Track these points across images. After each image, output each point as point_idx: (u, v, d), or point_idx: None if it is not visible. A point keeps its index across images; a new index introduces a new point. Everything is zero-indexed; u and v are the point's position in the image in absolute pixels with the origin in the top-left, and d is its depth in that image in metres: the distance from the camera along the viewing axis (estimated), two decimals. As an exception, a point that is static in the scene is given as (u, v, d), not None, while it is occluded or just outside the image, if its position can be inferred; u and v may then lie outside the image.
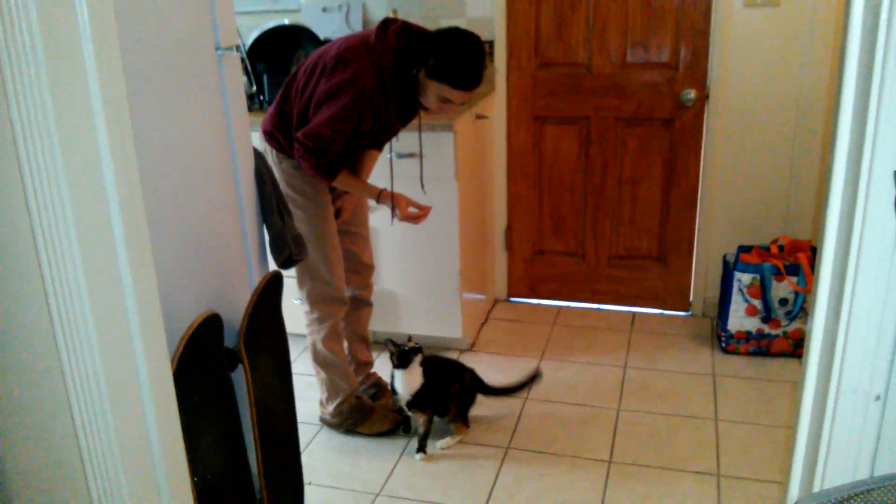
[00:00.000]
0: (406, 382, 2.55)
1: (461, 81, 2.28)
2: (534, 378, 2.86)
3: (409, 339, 2.63)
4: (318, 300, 2.59)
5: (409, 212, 2.55)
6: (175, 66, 1.57)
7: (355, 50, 2.30)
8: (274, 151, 2.49)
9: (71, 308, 1.17)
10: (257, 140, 2.45)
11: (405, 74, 2.32)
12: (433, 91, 2.31)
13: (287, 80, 2.46)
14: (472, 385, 2.75)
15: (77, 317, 1.17)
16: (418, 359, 2.55)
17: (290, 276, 2.42)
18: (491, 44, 3.48)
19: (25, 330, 1.20)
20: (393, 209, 2.53)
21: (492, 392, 2.81)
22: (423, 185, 2.76)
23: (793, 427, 1.21)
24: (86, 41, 1.09)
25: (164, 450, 1.36)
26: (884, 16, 0.91)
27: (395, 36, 2.32)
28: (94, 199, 1.18)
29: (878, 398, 1.02)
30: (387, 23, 2.35)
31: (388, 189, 2.52)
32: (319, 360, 2.68)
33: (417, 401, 2.58)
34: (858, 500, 0.92)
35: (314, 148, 2.31)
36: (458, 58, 2.27)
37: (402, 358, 2.52)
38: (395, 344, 2.54)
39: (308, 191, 2.49)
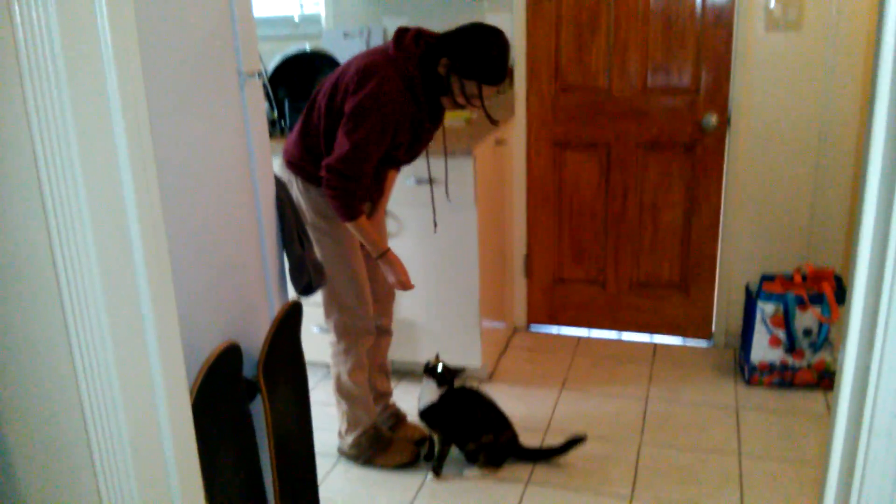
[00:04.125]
0: (423, 392, 2.59)
1: (489, 76, 2.26)
2: (577, 441, 2.67)
3: (437, 356, 2.64)
4: (345, 331, 2.56)
5: (394, 281, 2.51)
6: (197, 92, 1.56)
7: (377, 62, 2.27)
8: (300, 180, 2.45)
9: (91, 337, 1.15)
10: (278, 167, 2.43)
11: (431, 77, 2.30)
12: (461, 88, 2.29)
13: (306, 107, 2.44)
14: (509, 445, 2.66)
15: (97, 347, 1.16)
16: (434, 378, 2.56)
17: (308, 305, 2.39)
18: (511, 69, 3.47)
19: (45, 359, 1.18)
20: (391, 269, 2.50)
21: (527, 457, 2.69)
22: (435, 225, 2.75)
23: (821, 473, 1.16)
24: (110, 69, 1.08)
25: (182, 481, 1.34)
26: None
27: (414, 42, 2.30)
28: (116, 227, 1.16)
29: (911, 443, 0.98)
30: (402, 32, 2.33)
31: (391, 250, 2.48)
32: (343, 392, 2.64)
33: (425, 415, 2.59)
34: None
35: (346, 173, 2.26)
36: (485, 54, 2.24)
37: (426, 370, 2.59)
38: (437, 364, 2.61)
39: (337, 218, 2.46)
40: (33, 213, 1.10)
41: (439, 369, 2.55)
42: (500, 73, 2.28)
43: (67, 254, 1.11)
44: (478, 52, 2.24)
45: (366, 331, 2.58)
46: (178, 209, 1.46)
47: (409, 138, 2.36)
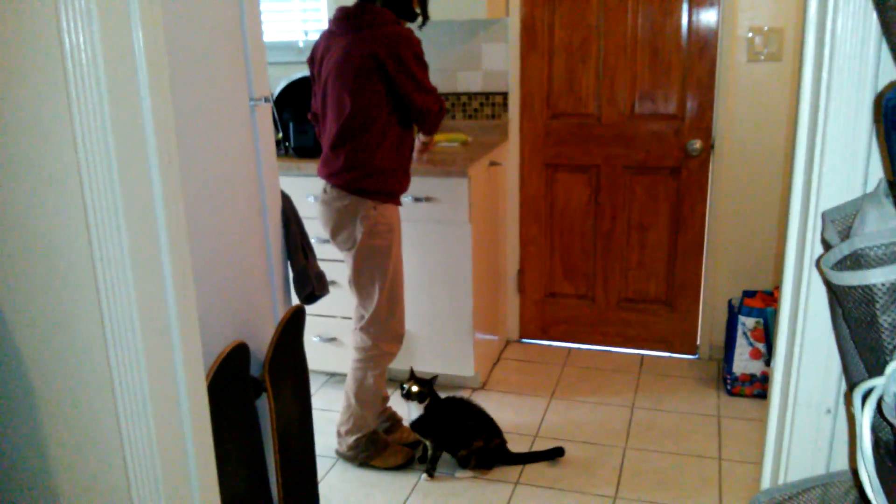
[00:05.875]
0: (411, 407, 2.75)
1: None
2: (555, 452, 2.88)
3: (411, 371, 2.80)
4: (383, 338, 2.73)
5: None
6: (214, 116, 1.73)
7: (390, 32, 2.54)
8: (370, 203, 2.60)
9: (123, 333, 1.31)
10: (283, 184, 2.59)
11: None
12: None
13: (339, 128, 2.61)
14: (498, 450, 2.82)
15: (129, 341, 1.32)
16: (413, 399, 2.72)
17: (309, 314, 2.53)
18: (505, 95, 3.65)
19: (82, 355, 1.35)
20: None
21: (515, 461, 2.85)
22: None
23: (762, 440, 1.35)
24: (145, 97, 1.25)
25: (199, 461, 1.49)
26: (823, 93, 1.06)
27: (374, 7, 2.58)
28: (148, 236, 1.32)
29: (828, 411, 1.17)
30: (360, 8, 2.59)
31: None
32: (362, 395, 2.78)
33: (415, 426, 2.76)
34: (805, 496, 1.05)
35: (439, 100, 2.64)
36: None
37: (403, 394, 2.74)
38: (413, 379, 2.75)
39: (393, 232, 2.66)
40: (76, 217, 1.27)
41: (415, 389, 2.71)
42: None
43: (107, 262, 1.28)
44: None
45: (401, 337, 2.79)
46: (195, 222, 1.62)
47: None
